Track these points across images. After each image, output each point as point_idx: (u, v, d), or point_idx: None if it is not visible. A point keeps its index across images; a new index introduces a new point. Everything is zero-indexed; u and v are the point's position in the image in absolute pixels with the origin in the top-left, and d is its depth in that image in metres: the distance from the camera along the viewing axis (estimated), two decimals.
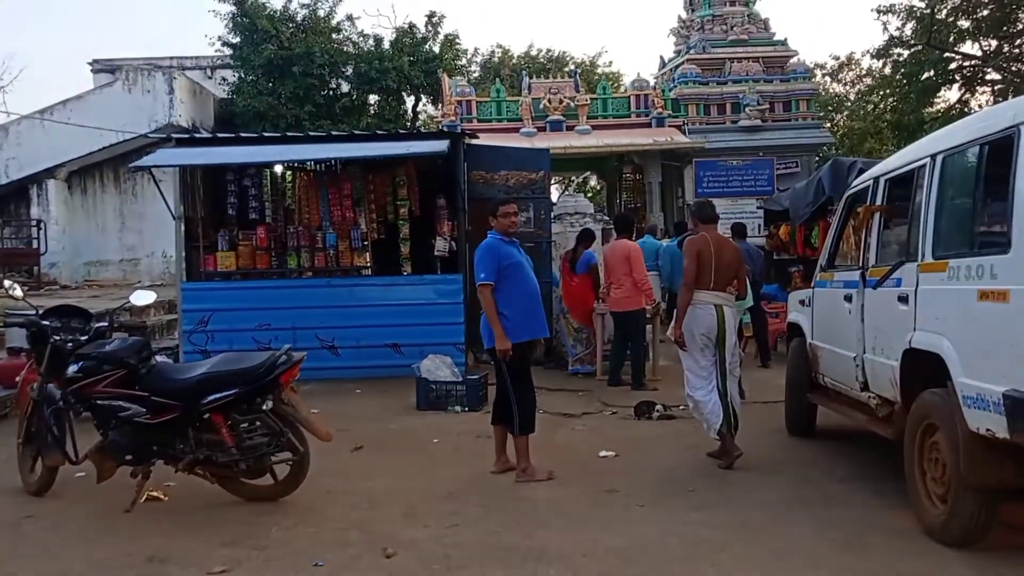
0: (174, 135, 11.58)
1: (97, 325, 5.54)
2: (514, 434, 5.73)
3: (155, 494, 5.30)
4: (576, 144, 17.08)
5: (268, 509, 5.09)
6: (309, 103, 19.59)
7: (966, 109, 21.38)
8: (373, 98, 21.35)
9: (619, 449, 6.43)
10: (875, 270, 5.06)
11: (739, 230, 11.80)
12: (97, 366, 5.11)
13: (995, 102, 21.08)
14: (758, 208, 15.41)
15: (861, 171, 9.76)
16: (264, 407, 5.05)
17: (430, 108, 24.09)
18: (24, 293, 6.31)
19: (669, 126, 17.48)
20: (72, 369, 5.17)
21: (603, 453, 6.34)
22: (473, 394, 8.16)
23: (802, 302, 6.69)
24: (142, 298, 5.99)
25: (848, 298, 5.41)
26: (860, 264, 5.31)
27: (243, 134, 12.11)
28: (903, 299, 4.53)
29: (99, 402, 5.09)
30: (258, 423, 5.08)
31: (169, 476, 5.35)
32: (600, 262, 10.61)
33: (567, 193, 19.00)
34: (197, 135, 13.98)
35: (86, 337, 5.42)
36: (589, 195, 28.70)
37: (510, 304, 5.62)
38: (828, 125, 20.72)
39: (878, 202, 5.18)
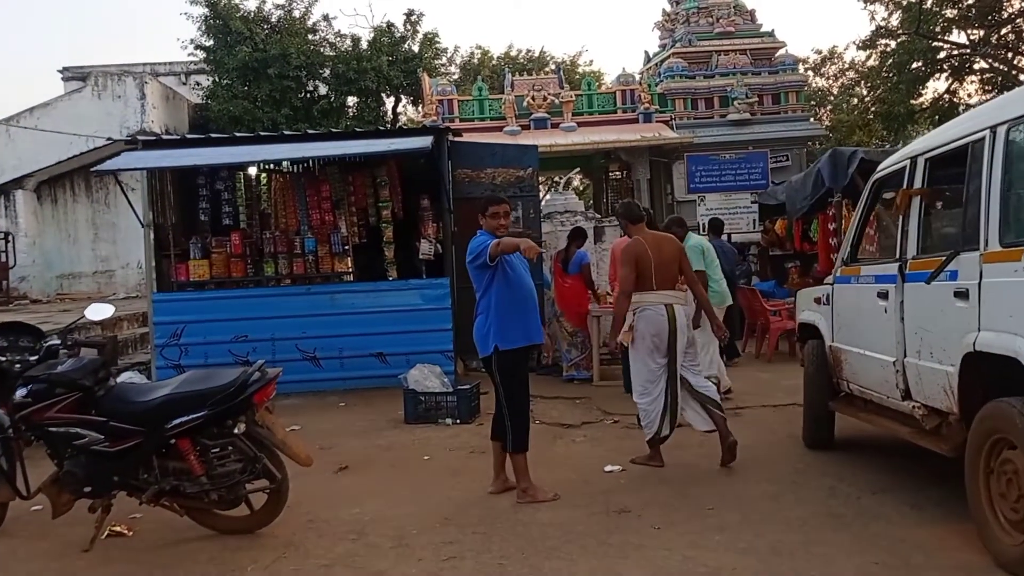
0: (140, 137, 11.02)
1: (48, 344, 5.02)
2: (507, 451, 5.31)
3: (118, 529, 4.87)
4: (562, 142, 16.59)
5: (244, 543, 4.63)
6: (286, 106, 19.04)
7: (955, 99, 21.15)
8: (352, 100, 20.79)
9: (625, 463, 5.97)
10: (917, 262, 4.54)
11: (716, 226, 11.46)
12: (48, 389, 4.62)
13: (984, 91, 20.86)
14: (752, 203, 15.03)
15: (863, 160, 9.41)
16: (236, 430, 4.63)
17: (411, 110, 23.56)
18: None
19: (656, 121, 17.01)
20: (20, 393, 4.68)
21: (609, 468, 5.88)
22: (465, 405, 7.70)
23: (818, 300, 6.15)
24: (98, 312, 5.48)
25: (883, 295, 4.87)
26: (897, 256, 4.77)
27: (214, 135, 11.51)
28: (961, 294, 4.00)
29: (52, 429, 4.62)
30: (230, 448, 4.64)
31: (135, 508, 4.90)
32: (593, 261, 10.20)
33: (556, 192, 18.48)
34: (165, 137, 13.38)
35: (36, 357, 4.91)
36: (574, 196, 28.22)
37: (501, 308, 5.20)
38: (813, 120, 20.34)
39: (917, 185, 4.64)
